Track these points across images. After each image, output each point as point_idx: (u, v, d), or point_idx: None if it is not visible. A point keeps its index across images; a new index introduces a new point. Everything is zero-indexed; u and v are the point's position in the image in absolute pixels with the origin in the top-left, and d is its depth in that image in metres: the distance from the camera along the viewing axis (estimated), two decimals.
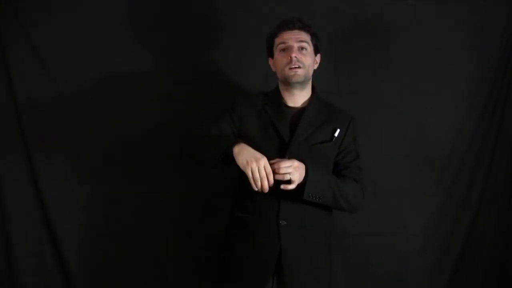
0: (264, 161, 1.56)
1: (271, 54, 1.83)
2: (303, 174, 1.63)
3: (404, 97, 2.26)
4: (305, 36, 1.76)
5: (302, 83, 1.77)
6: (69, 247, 2.17)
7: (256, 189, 1.56)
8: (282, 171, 1.57)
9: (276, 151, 1.71)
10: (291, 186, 1.60)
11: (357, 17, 2.24)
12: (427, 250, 2.31)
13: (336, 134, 1.77)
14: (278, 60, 1.77)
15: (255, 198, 1.67)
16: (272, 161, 1.59)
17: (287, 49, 1.74)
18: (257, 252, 1.69)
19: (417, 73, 2.27)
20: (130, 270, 2.19)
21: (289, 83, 1.76)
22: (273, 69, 1.83)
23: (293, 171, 1.59)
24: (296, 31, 1.75)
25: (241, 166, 1.57)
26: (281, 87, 1.82)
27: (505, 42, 2.27)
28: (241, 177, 1.62)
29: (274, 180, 1.57)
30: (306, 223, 1.71)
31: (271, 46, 1.81)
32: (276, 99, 1.81)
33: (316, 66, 1.84)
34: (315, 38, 1.80)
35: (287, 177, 1.59)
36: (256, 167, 1.54)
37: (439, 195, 2.30)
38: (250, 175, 1.54)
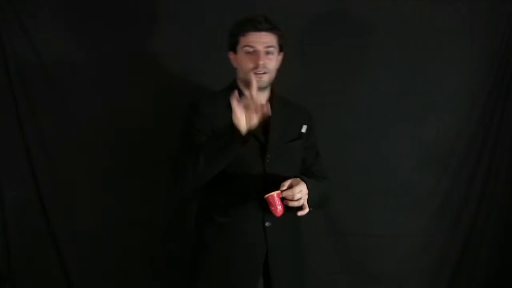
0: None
1: (233, 49, 1.73)
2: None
3: (404, 97, 2.26)
4: (273, 39, 1.69)
5: (265, 87, 1.72)
6: (69, 247, 2.17)
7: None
8: (296, 197, 1.53)
9: (254, 151, 1.66)
10: (306, 211, 1.58)
11: (356, 17, 2.23)
12: (427, 250, 2.31)
13: (303, 130, 1.76)
14: (243, 63, 1.69)
15: (238, 203, 1.65)
16: (282, 189, 1.54)
17: (253, 53, 1.67)
18: (245, 253, 1.68)
19: (417, 73, 2.27)
20: (130, 270, 2.20)
21: None
22: (234, 65, 1.75)
23: (305, 195, 1.56)
24: (263, 33, 1.67)
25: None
26: (241, 85, 1.74)
27: (505, 42, 2.27)
28: (216, 184, 1.60)
29: (287, 206, 1.53)
30: (288, 224, 1.70)
31: (235, 42, 1.71)
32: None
33: (278, 65, 1.74)
34: (281, 39, 1.72)
35: (301, 203, 1.55)
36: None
37: (439, 195, 2.30)
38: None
